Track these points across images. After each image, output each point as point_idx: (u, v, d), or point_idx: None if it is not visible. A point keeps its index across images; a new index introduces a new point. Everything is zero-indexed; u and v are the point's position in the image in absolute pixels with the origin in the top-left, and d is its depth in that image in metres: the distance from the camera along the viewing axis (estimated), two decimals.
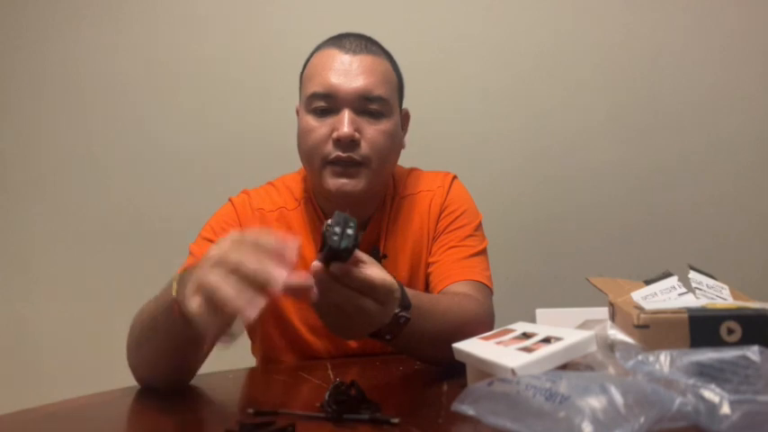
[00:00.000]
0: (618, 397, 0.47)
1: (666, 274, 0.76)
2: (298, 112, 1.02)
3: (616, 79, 1.57)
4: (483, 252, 1.04)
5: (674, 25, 1.56)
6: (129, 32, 1.68)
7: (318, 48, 1.01)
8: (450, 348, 0.72)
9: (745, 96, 1.55)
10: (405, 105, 1.08)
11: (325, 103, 0.95)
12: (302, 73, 1.02)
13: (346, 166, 0.94)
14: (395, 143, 0.99)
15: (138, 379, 0.83)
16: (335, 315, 0.64)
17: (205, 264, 0.57)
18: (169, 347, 0.75)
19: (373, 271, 0.63)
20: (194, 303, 0.56)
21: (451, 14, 1.60)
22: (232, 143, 1.62)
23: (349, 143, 0.93)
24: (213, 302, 0.54)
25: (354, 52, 0.96)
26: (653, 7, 1.57)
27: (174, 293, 0.66)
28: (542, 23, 1.58)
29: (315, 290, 0.59)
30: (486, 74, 1.59)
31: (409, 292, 0.73)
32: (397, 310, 0.70)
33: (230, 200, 1.05)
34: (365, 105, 0.95)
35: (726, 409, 0.47)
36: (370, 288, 0.63)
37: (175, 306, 0.65)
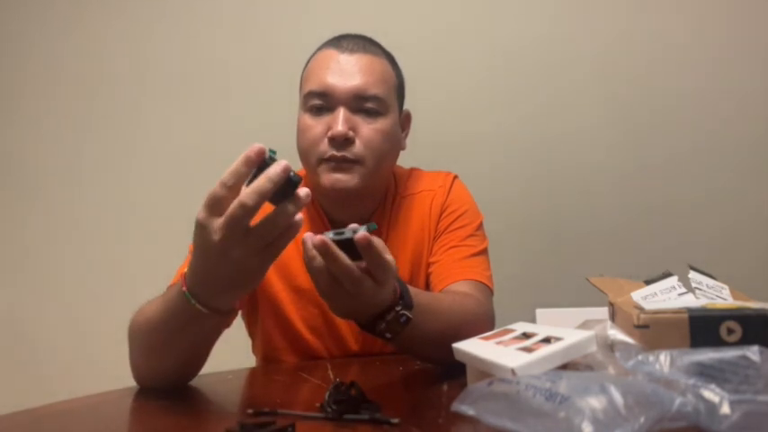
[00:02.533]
0: (618, 397, 0.47)
1: (666, 274, 0.76)
2: None
3: (618, 80, 1.57)
4: (484, 252, 1.04)
5: (672, 24, 1.56)
6: (132, 33, 1.68)
7: (317, 49, 1.02)
8: (451, 348, 0.72)
9: (746, 95, 1.54)
10: (406, 106, 1.08)
11: (321, 102, 0.96)
12: (302, 74, 1.03)
13: (340, 163, 0.94)
14: (392, 142, 0.99)
15: (139, 378, 0.82)
16: (333, 289, 0.65)
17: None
18: (186, 342, 0.75)
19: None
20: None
21: (451, 14, 1.60)
22: (233, 142, 1.61)
23: (343, 141, 0.93)
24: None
25: (351, 51, 0.97)
26: (651, 7, 1.56)
27: (204, 310, 0.67)
28: (542, 23, 1.58)
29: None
30: (487, 74, 1.59)
31: (412, 290, 0.73)
32: (398, 308, 0.70)
33: None
34: (361, 104, 0.95)
35: (726, 409, 0.47)
36: (376, 258, 0.63)
37: (206, 312, 0.67)
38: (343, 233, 0.63)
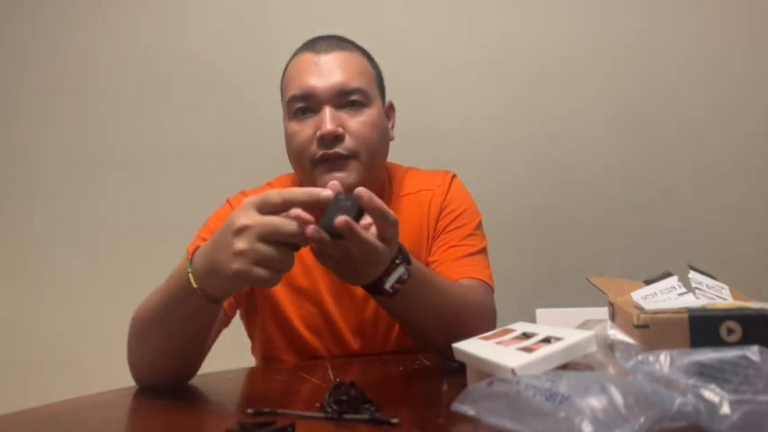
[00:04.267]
0: (618, 397, 0.47)
1: (666, 274, 0.76)
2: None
3: (618, 80, 1.57)
4: (483, 251, 1.04)
5: (679, 28, 1.56)
6: (132, 34, 1.68)
7: (293, 55, 1.02)
8: (451, 332, 0.73)
9: (747, 98, 1.55)
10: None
11: (305, 104, 0.96)
12: (281, 83, 1.03)
13: (334, 161, 0.94)
14: (380, 133, 1.00)
15: (138, 377, 0.83)
16: (346, 264, 0.69)
17: (245, 236, 0.63)
18: (182, 334, 0.76)
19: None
20: (263, 273, 0.64)
21: (455, 16, 1.60)
22: (231, 144, 1.62)
23: (333, 139, 0.93)
24: (276, 268, 0.64)
25: (327, 51, 0.98)
26: (658, 10, 1.56)
27: (194, 284, 0.69)
28: (546, 24, 1.58)
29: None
30: (487, 74, 1.59)
31: (412, 258, 0.77)
32: (397, 261, 0.73)
33: (227, 200, 1.06)
34: (344, 99, 0.96)
35: (726, 409, 0.47)
36: (382, 214, 0.67)
37: (198, 292, 0.69)
38: (335, 215, 0.65)
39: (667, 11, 1.56)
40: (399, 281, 0.74)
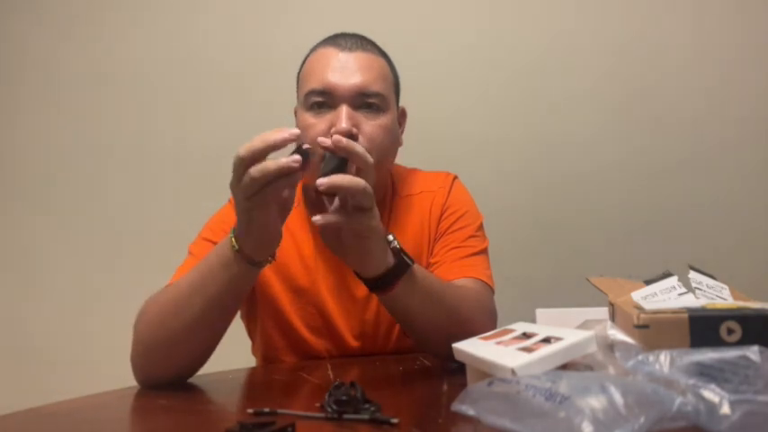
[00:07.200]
0: (618, 397, 0.47)
1: (666, 274, 0.76)
2: (296, 113, 1.02)
3: (617, 80, 1.57)
4: (484, 252, 1.04)
5: (677, 25, 1.56)
6: (131, 33, 1.68)
7: (315, 47, 1.01)
8: (451, 332, 0.73)
9: (747, 97, 1.55)
10: (406, 104, 1.08)
11: (323, 99, 0.95)
12: (299, 73, 1.02)
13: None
14: (393, 139, 1.00)
15: (144, 370, 0.82)
16: (340, 242, 0.74)
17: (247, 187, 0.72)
18: (216, 306, 0.79)
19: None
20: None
21: (454, 13, 1.60)
22: (233, 144, 1.62)
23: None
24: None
25: (351, 50, 0.97)
26: (656, 8, 1.57)
27: (236, 246, 0.75)
28: (545, 23, 1.58)
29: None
30: (487, 74, 1.59)
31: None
32: (395, 244, 0.78)
33: (230, 201, 1.06)
34: (363, 101, 0.95)
35: (726, 409, 0.47)
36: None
37: (238, 255, 0.75)
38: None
39: (665, 9, 1.56)
40: (396, 252, 0.78)
